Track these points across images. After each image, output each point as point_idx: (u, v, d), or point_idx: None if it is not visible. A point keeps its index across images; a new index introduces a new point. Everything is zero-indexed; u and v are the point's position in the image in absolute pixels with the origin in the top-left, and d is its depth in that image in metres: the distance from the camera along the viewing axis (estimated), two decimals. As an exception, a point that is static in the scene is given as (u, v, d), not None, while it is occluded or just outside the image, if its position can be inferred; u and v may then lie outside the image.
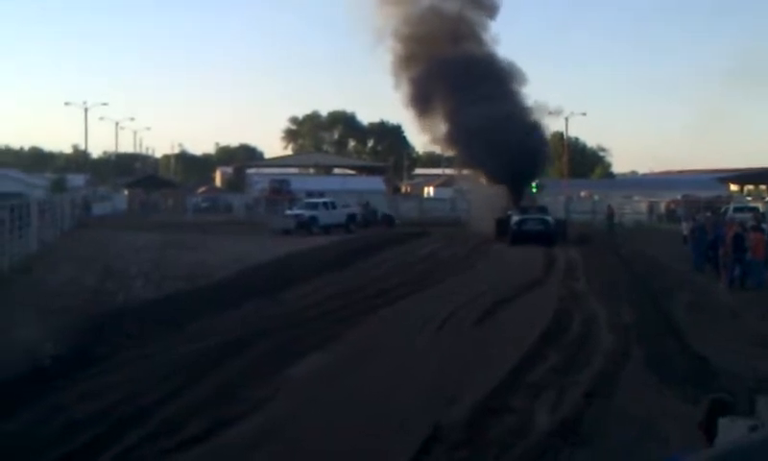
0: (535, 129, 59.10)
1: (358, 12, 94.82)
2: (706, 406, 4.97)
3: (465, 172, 67.47)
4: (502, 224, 49.79)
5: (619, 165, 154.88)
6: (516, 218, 48.61)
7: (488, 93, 54.63)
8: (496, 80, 57.82)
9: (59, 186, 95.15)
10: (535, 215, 49.25)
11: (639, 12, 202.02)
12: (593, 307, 23.46)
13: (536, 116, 59.80)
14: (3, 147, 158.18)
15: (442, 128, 60.44)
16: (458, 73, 55.82)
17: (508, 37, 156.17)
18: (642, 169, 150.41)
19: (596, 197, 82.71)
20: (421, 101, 59.55)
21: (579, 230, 54.62)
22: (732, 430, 4.51)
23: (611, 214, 63.55)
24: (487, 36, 61.28)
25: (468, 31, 60.55)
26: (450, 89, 56.87)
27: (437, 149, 68.02)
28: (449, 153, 71.08)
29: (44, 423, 11.93)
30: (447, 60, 57.25)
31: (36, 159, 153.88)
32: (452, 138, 60.08)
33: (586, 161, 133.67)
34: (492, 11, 61.67)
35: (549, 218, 49.21)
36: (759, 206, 65.20)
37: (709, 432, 4.71)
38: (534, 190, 61.71)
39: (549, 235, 46.39)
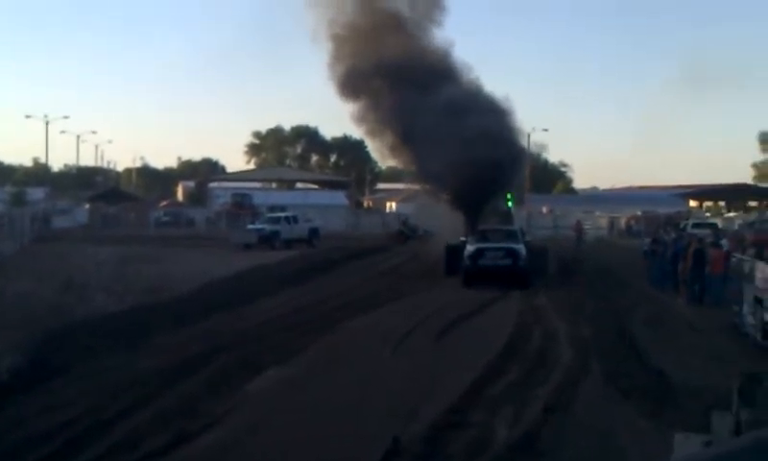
0: (499, 127, 43.31)
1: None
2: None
3: (425, 186, 52.05)
4: (453, 254, 36.27)
5: (580, 181, 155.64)
6: (471, 248, 34.47)
7: (433, 89, 43.16)
8: (445, 77, 45.78)
9: (18, 200, 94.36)
10: (499, 243, 35.04)
11: (598, 24, 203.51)
12: (553, 322, 23.64)
13: (499, 119, 44.45)
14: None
15: (388, 136, 48.11)
16: (398, 71, 44.70)
17: (464, 54, 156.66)
18: (603, 185, 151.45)
19: (558, 212, 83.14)
20: (366, 110, 47.88)
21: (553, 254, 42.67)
22: (686, 446, 4.58)
23: (579, 230, 62.49)
24: (433, 38, 48.60)
25: (409, 30, 48.42)
26: (391, 89, 45.72)
27: (397, 164, 57.77)
28: (402, 166, 57.28)
29: (2, 436, 11.85)
30: (385, 59, 45.83)
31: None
32: (396, 145, 47.61)
33: (547, 177, 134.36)
34: (436, 16, 48.86)
35: (520, 248, 34.55)
36: (718, 222, 65.99)
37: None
38: (509, 204, 45.43)
39: (519, 273, 33.26)
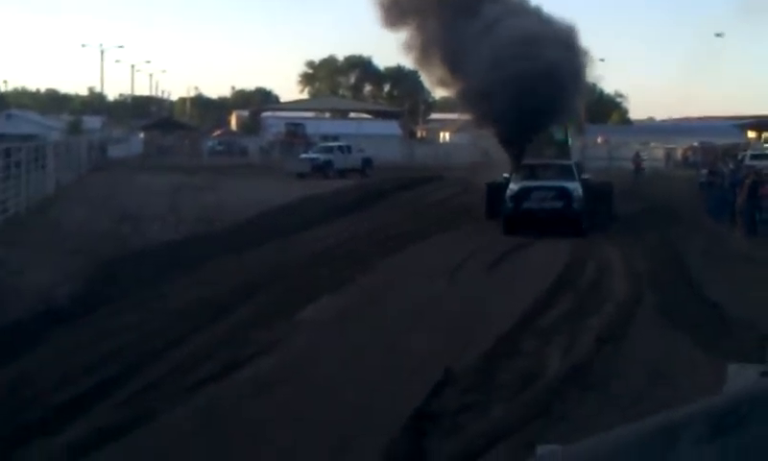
0: (553, 35, 35.04)
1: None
2: None
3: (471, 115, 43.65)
4: (496, 194, 29.82)
5: (636, 112, 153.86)
6: (514, 187, 28.38)
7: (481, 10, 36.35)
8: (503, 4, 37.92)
9: (75, 128, 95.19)
10: (550, 182, 28.97)
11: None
12: (607, 254, 23.43)
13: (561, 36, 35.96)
14: (20, 89, 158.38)
15: (435, 64, 41.35)
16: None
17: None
18: (660, 115, 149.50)
19: (613, 143, 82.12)
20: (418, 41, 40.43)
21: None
22: (741, 376, 4.51)
23: (638, 162, 61.47)
24: None
25: None
26: (436, 14, 39.20)
27: (447, 92, 53.16)
28: (452, 95, 48.75)
29: (58, 362, 12.05)
30: None
31: (53, 101, 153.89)
32: (443, 73, 40.89)
33: (602, 108, 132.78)
34: None
35: (575, 187, 28.26)
36: (777, 153, 64.77)
37: None
38: (562, 138, 36.62)
39: (573, 218, 27.58)
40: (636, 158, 61.81)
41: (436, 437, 9.47)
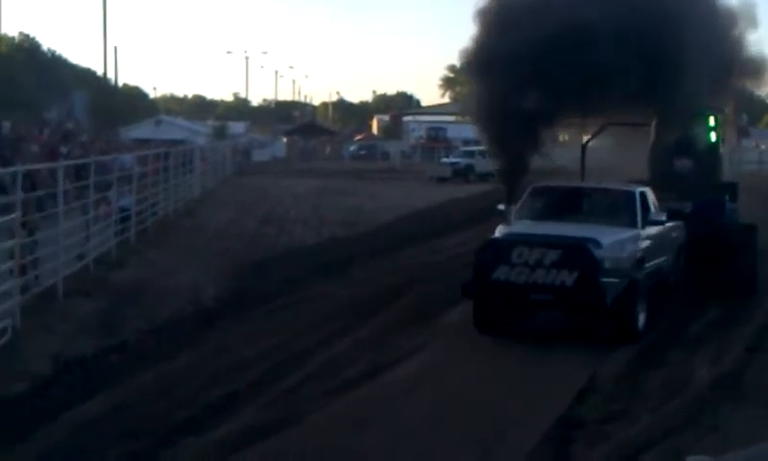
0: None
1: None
2: None
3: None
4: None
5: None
6: (495, 237, 14.51)
7: None
8: None
9: (220, 133, 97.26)
10: (555, 228, 14.53)
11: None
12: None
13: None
14: (168, 95, 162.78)
15: None
16: None
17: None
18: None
19: (763, 146, 79.64)
20: None
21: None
22: None
23: None
24: None
25: None
26: None
27: None
28: None
29: (210, 362, 12.37)
30: None
31: (199, 107, 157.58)
32: None
33: (753, 110, 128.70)
34: None
35: (608, 243, 13.55)
36: None
37: None
38: (710, 140, 19.86)
39: (599, 307, 13.30)
40: None
41: (581, 445, 9.37)
